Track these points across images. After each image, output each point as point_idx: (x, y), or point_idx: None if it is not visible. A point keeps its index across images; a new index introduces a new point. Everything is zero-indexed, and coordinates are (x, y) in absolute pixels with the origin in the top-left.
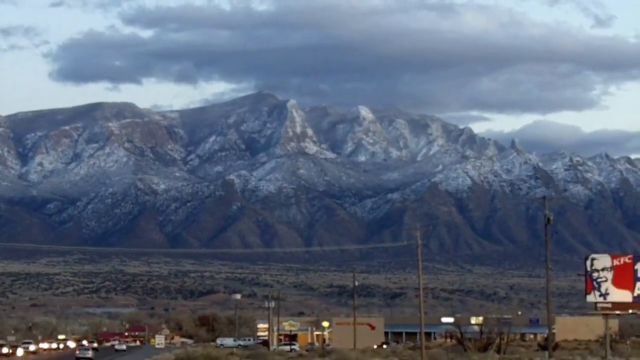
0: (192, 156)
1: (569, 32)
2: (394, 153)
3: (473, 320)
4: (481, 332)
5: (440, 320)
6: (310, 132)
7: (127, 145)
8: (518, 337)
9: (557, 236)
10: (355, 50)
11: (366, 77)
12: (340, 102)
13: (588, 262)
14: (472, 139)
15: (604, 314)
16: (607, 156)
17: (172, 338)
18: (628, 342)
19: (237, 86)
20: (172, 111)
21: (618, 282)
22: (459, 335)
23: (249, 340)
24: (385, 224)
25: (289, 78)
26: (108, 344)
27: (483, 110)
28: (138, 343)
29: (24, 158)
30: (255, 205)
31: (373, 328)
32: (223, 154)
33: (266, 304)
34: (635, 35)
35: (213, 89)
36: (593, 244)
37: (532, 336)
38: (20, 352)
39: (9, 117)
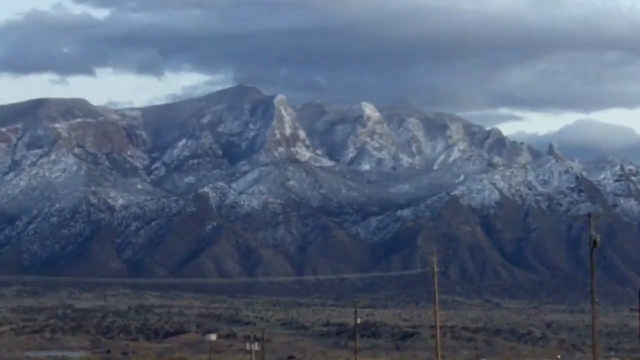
0: (158, 164)
1: (619, 12)
2: (405, 160)
3: None
4: None
5: None
6: (302, 134)
7: (77, 150)
8: None
9: (605, 262)
10: (357, 34)
11: (371, 67)
12: (339, 98)
13: None
14: (500, 143)
15: None
16: None
17: None
18: None
19: (212, 78)
20: (132, 109)
21: None
22: None
23: None
24: (394, 248)
25: (276, 68)
26: None
27: (514, 108)
28: None
29: None
30: (235, 225)
31: None
32: (195, 161)
33: (248, 347)
34: None
35: (183, 82)
36: None
37: None
38: None
39: None
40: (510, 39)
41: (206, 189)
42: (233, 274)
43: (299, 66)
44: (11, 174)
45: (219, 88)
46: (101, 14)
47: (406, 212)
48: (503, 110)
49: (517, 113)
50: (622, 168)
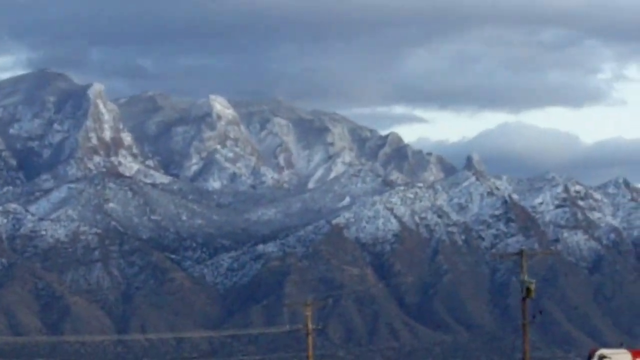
0: None
1: None
2: (270, 176)
3: None
4: None
5: None
6: (127, 138)
7: None
8: None
9: (542, 318)
10: (200, 2)
11: (221, 47)
12: (178, 89)
13: None
14: (400, 154)
15: None
16: (625, 184)
17: None
18: None
19: (0, 60)
20: None
21: None
22: None
23: None
24: (253, 296)
25: (88, 47)
26: None
27: (415, 106)
28: None
29: None
30: (32, 263)
31: None
32: None
33: None
34: None
35: None
36: (603, 331)
37: None
38: None
39: None
40: (410, 12)
41: None
42: (29, 331)
43: (121, 45)
44: None
45: (9, 75)
46: None
47: (270, 248)
48: (400, 109)
49: (418, 112)
50: (566, 189)
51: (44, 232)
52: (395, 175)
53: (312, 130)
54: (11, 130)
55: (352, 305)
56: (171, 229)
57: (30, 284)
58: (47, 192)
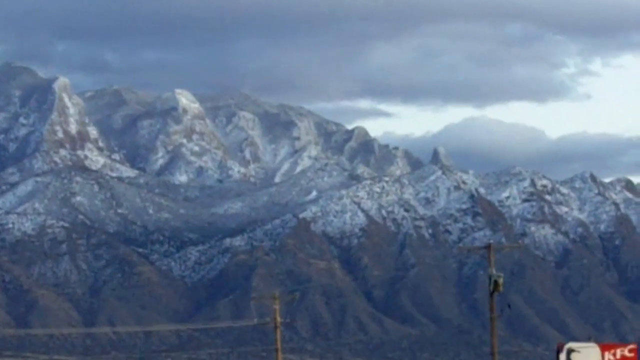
0: None
1: None
2: (236, 170)
3: None
4: None
5: None
6: (93, 132)
7: None
8: None
9: (510, 312)
10: None
11: (186, 41)
12: (144, 83)
13: (562, 356)
14: (367, 148)
15: None
16: (592, 178)
17: None
18: None
19: None
20: None
21: None
22: None
23: None
24: (220, 290)
25: (54, 41)
26: None
27: (379, 100)
28: None
29: None
30: None
31: None
32: None
33: None
34: None
35: None
36: (570, 325)
37: None
38: None
39: None
40: (374, 6)
41: None
42: None
43: (87, 39)
44: None
45: None
46: None
47: (237, 241)
48: (365, 103)
49: (383, 106)
50: (532, 183)
51: (10, 226)
52: (361, 169)
53: (278, 124)
54: None
55: (319, 299)
56: (138, 222)
57: None
58: (14, 185)
